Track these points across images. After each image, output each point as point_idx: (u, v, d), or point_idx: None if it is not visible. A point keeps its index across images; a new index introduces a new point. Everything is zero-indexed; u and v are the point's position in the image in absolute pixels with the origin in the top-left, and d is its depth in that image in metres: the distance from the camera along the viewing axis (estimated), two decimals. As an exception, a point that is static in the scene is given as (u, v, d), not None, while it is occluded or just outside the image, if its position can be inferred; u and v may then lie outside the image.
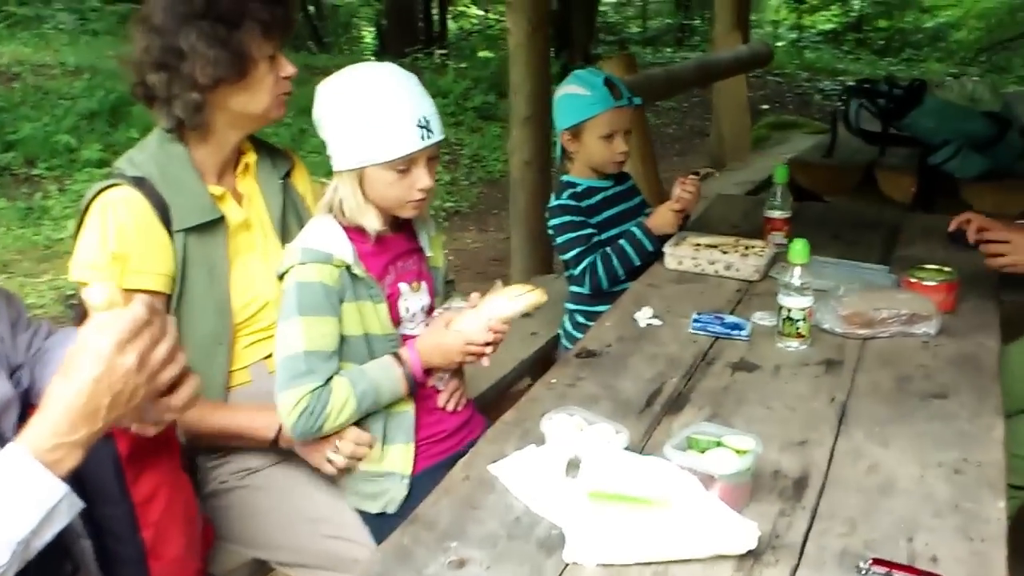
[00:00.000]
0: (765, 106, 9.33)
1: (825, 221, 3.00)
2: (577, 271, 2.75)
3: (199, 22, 1.89)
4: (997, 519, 1.63)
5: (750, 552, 1.52)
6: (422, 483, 2.00)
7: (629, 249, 2.75)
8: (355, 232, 1.99)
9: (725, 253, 2.69)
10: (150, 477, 1.71)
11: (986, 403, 2.02)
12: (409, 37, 13.90)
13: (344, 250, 1.95)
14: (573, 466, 1.72)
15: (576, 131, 2.78)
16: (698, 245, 2.74)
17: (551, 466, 1.73)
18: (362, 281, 1.95)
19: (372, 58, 11.76)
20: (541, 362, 3.13)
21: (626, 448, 1.76)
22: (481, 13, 16.87)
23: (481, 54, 13.23)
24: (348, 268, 1.93)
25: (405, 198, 1.98)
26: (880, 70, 11.99)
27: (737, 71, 5.61)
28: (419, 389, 2.05)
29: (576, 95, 2.75)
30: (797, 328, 2.24)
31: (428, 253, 2.14)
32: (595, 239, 2.77)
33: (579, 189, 2.80)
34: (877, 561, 1.51)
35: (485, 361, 2.04)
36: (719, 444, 1.71)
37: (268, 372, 2.07)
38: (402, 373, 1.97)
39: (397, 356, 1.98)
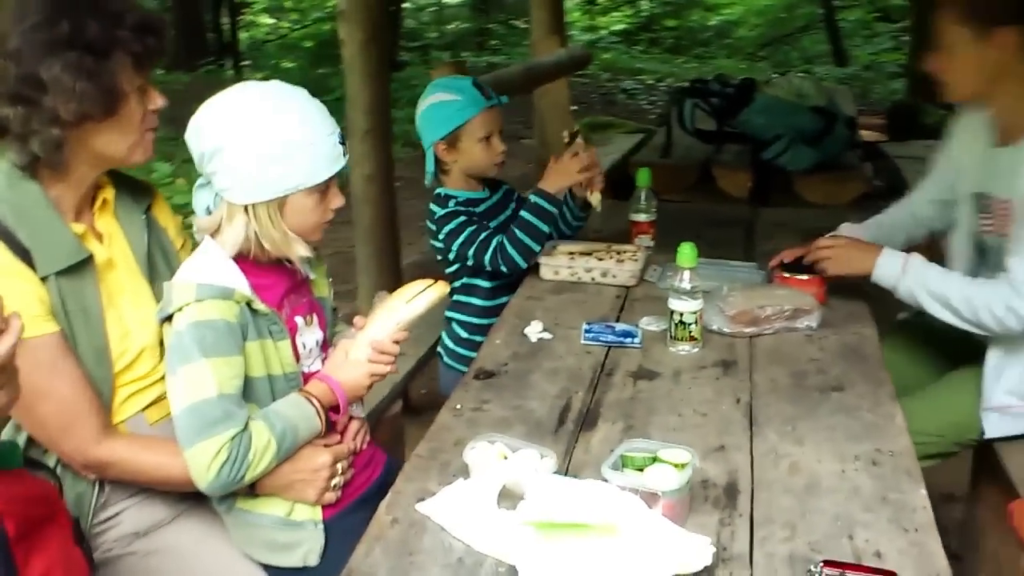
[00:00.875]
0: (573, 107, 9.49)
1: (683, 222, 3.05)
2: (488, 257, 2.63)
3: (65, 52, 1.69)
4: (923, 507, 1.68)
5: (705, 568, 1.50)
6: (336, 529, 1.88)
7: (532, 218, 2.66)
8: (247, 265, 1.85)
9: (600, 260, 2.68)
10: (41, 558, 1.52)
11: (881, 392, 2.08)
12: (199, 49, 13.38)
13: (242, 284, 1.80)
14: (505, 497, 1.65)
15: (452, 139, 2.68)
16: (572, 253, 2.72)
17: (483, 499, 1.65)
18: (264, 317, 1.81)
19: (162, 72, 11.19)
20: (416, 383, 3.04)
21: (555, 472, 1.72)
22: (272, 21, 16.45)
23: (284, 64, 12.89)
24: (248, 303, 1.79)
25: (322, 220, 1.86)
26: (675, 67, 12.47)
27: (559, 74, 5.66)
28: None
29: (446, 102, 2.67)
30: (690, 331, 2.25)
31: (311, 276, 2.01)
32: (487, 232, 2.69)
33: (460, 199, 2.72)
34: (828, 563, 1.51)
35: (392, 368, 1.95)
36: (655, 459, 1.68)
37: (148, 424, 1.89)
38: (315, 410, 1.84)
39: (303, 392, 1.85)
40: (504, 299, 2.64)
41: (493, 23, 14.76)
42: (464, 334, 2.81)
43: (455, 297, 2.84)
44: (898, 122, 7.55)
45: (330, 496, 1.90)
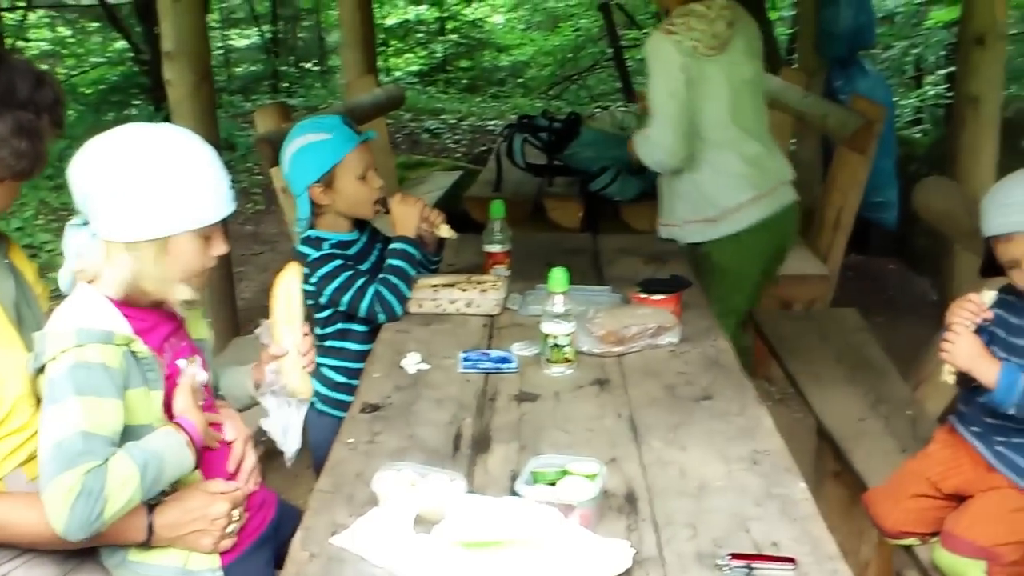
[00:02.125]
0: (382, 148, 9.56)
1: (533, 252, 3.14)
2: (365, 306, 2.62)
3: (17, 111, 1.65)
4: (805, 499, 1.82)
5: (623, 573, 1.57)
6: (237, 574, 1.85)
7: (404, 264, 2.68)
8: (126, 309, 1.80)
9: (464, 291, 2.74)
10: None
11: (747, 398, 2.23)
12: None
13: (123, 327, 1.76)
14: (420, 522, 1.68)
15: (328, 180, 2.63)
16: (435, 286, 2.76)
17: (399, 526, 1.68)
18: (143, 362, 1.76)
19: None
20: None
21: (466, 493, 1.76)
22: (44, 68, 15.59)
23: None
24: (130, 348, 1.74)
25: (205, 266, 1.84)
26: (474, 106, 12.71)
27: (377, 114, 5.72)
28: (209, 472, 1.89)
29: (317, 143, 2.62)
30: (564, 354, 2.33)
31: (181, 315, 1.98)
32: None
33: (332, 241, 2.69)
34: (734, 556, 1.62)
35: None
36: (565, 473, 1.75)
37: (27, 480, 1.80)
38: (184, 439, 1.75)
39: (173, 423, 1.78)
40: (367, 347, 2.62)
41: (283, 66, 14.58)
42: (340, 379, 2.75)
43: (328, 343, 2.78)
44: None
45: (226, 543, 1.86)
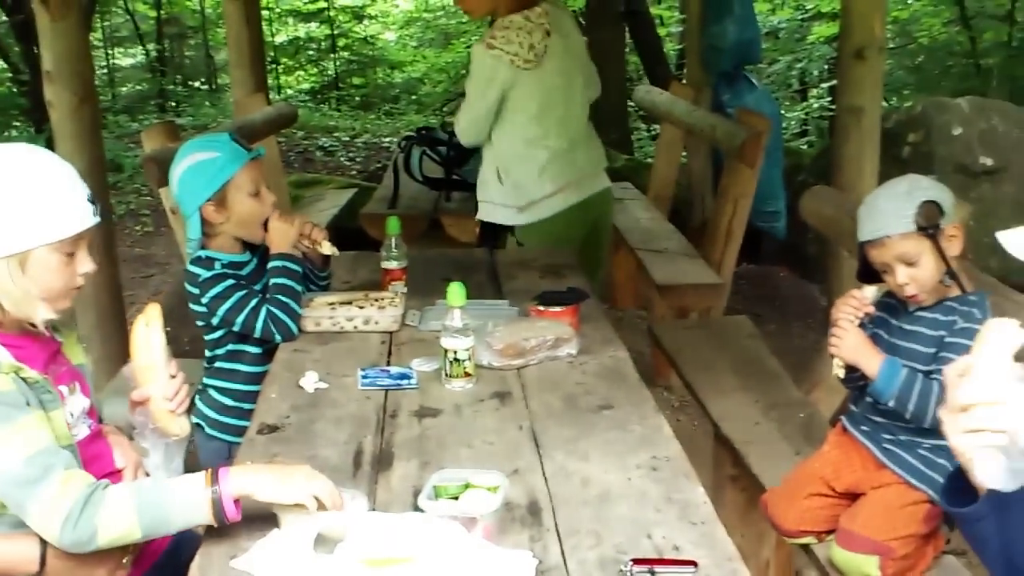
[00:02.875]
0: (274, 167, 9.42)
1: (431, 267, 3.14)
2: (259, 326, 2.56)
3: None
4: (704, 502, 1.85)
5: (529, 581, 1.58)
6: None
7: (288, 281, 2.63)
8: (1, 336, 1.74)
9: (361, 308, 2.71)
10: None
11: (645, 407, 2.26)
12: None
13: (2, 354, 1.70)
14: (321, 542, 1.66)
15: (220, 198, 2.56)
16: (332, 304, 2.73)
17: (300, 547, 1.65)
18: (35, 386, 1.71)
19: None
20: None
21: (368, 511, 1.74)
22: None
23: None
24: (18, 373, 1.68)
25: (70, 285, 1.79)
26: (368, 123, 12.64)
27: (268, 132, 5.64)
28: None
29: (206, 161, 2.55)
30: (464, 368, 2.33)
31: (59, 339, 1.92)
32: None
33: (224, 262, 2.63)
34: (637, 561, 1.63)
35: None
36: (468, 486, 1.75)
37: None
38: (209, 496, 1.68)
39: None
40: (270, 366, 2.55)
41: (171, 85, 14.27)
42: (230, 402, 2.69)
43: (218, 364, 2.72)
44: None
45: (120, 575, 1.81)
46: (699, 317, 4.16)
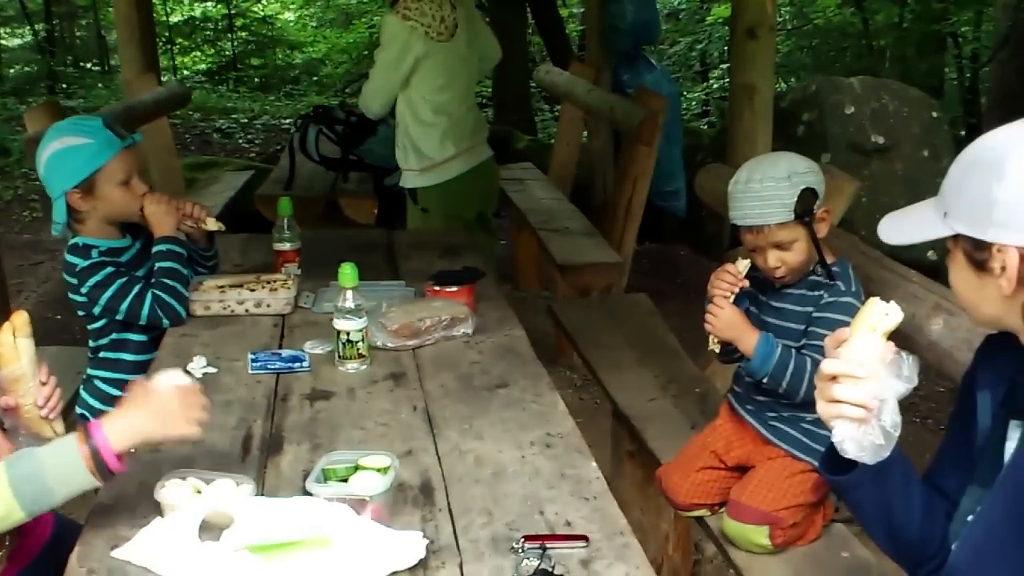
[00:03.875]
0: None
1: (326, 249, 3.08)
2: (146, 311, 2.48)
3: None
4: (597, 478, 1.86)
5: (420, 562, 1.56)
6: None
7: (174, 264, 2.56)
8: None
9: (252, 291, 2.65)
10: None
11: (541, 384, 2.26)
12: None
13: None
14: (206, 529, 1.61)
15: (88, 186, 2.46)
16: (222, 287, 2.66)
17: (184, 534, 1.60)
18: None
19: None
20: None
21: (255, 496, 1.70)
22: None
23: None
24: None
25: None
26: (267, 105, 12.38)
27: (160, 113, 5.50)
28: None
29: (76, 147, 2.44)
30: (357, 349, 2.30)
31: None
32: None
33: (102, 248, 2.54)
34: (528, 538, 1.63)
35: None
36: (358, 468, 1.72)
37: None
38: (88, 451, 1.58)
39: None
40: (156, 353, 2.48)
41: (61, 66, 13.75)
42: (115, 392, 2.59)
43: (102, 354, 2.63)
44: (491, 147, 8.06)
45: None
46: (600, 296, 4.18)
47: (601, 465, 3.13)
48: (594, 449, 3.32)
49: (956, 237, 1.40)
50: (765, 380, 2.13)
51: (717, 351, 2.26)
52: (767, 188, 2.10)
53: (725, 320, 2.17)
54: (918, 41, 10.22)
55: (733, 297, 2.21)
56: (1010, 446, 1.48)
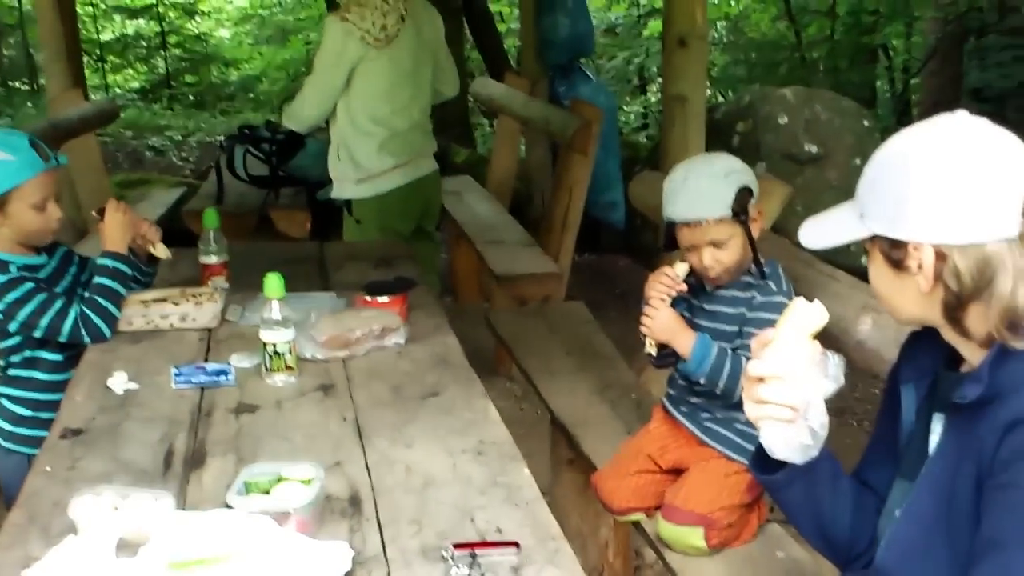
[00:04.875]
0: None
1: (257, 262, 3.02)
2: (68, 327, 2.40)
3: None
4: (529, 484, 1.83)
5: (346, 574, 1.52)
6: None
7: (111, 282, 2.50)
8: None
9: (177, 305, 2.59)
10: None
11: (473, 391, 2.23)
12: None
13: None
14: (124, 546, 1.56)
15: (0, 202, 2.40)
16: (145, 302, 2.59)
17: (100, 552, 1.54)
18: None
19: None
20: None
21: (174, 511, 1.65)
22: None
23: None
24: None
25: None
26: (202, 122, 12.22)
27: (86, 130, 5.38)
28: None
29: None
30: (285, 361, 2.25)
31: None
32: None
33: (19, 264, 2.45)
34: (458, 546, 1.60)
35: None
36: (281, 479, 1.67)
37: None
38: None
39: None
40: (71, 373, 2.40)
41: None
42: (26, 412, 2.50)
43: (12, 372, 2.53)
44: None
45: None
46: (537, 305, 4.16)
47: (541, 474, 3.16)
48: (535, 458, 3.33)
49: (874, 238, 1.41)
50: (702, 381, 2.12)
51: (653, 353, 2.25)
52: (705, 184, 2.12)
53: (662, 322, 2.16)
54: (850, 53, 10.42)
55: (670, 300, 2.20)
56: (934, 439, 1.49)
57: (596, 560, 3.02)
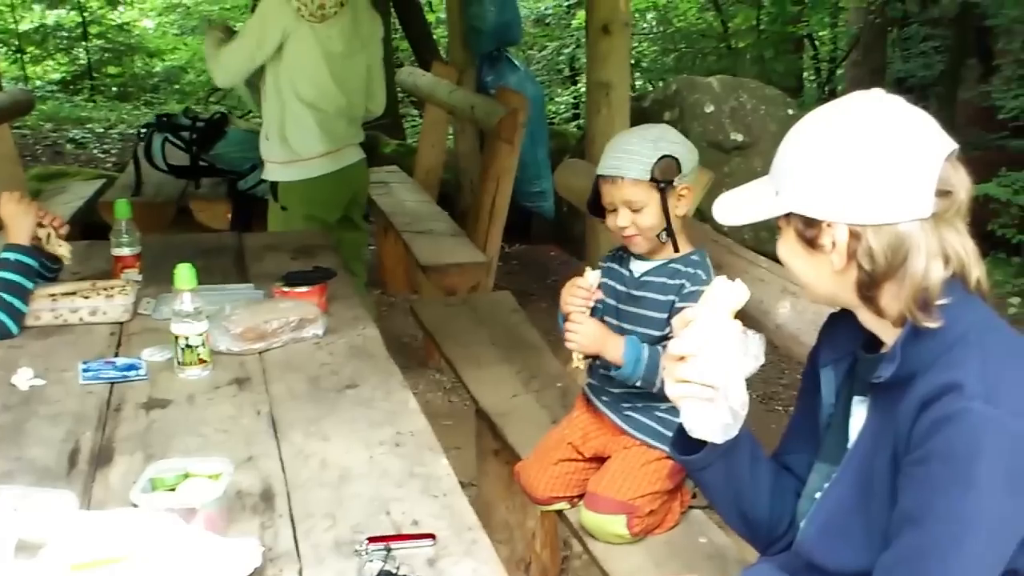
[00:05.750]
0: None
1: (173, 253, 2.94)
2: None
3: None
4: (447, 475, 1.80)
5: (255, 571, 1.47)
6: None
7: (17, 277, 2.41)
8: None
9: (87, 298, 2.51)
10: None
11: (392, 382, 2.19)
12: None
13: None
14: (24, 548, 1.49)
15: None
16: (53, 295, 2.51)
17: (-4, 556, 1.48)
18: None
19: None
20: None
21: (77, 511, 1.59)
22: None
23: None
24: None
25: None
26: (125, 114, 11.96)
27: (0, 121, 5.23)
28: None
29: None
30: (198, 354, 2.19)
31: None
32: None
33: None
34: (372, 539, 1.56)
35: None
36: (187, 476, 1.62)
37: None
38: None
39: None
40: None
41: None
42: None
43: None
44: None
45: None
46: (463, 295, 4.13)
47: (469, 465, 3.14)
48: (465, 450, 3.31)
49: (788, 215, 1.40)
50: (639, 384, 2.10)
51: (581, 367, 2.23)
52: (633, 144, 2.13)
53: (587, 333, 2.13)
54: (776, 42, 10.55)
55: (589, 311, 2.18)
56: (854, 422, 1.49)
57: (523, 551, 3.00)
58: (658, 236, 2.16)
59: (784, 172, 1.40)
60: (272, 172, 3.92)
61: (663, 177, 2.09)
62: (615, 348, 2.12)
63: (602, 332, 2.14)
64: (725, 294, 1.41)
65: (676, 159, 2.11)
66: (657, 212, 2.12)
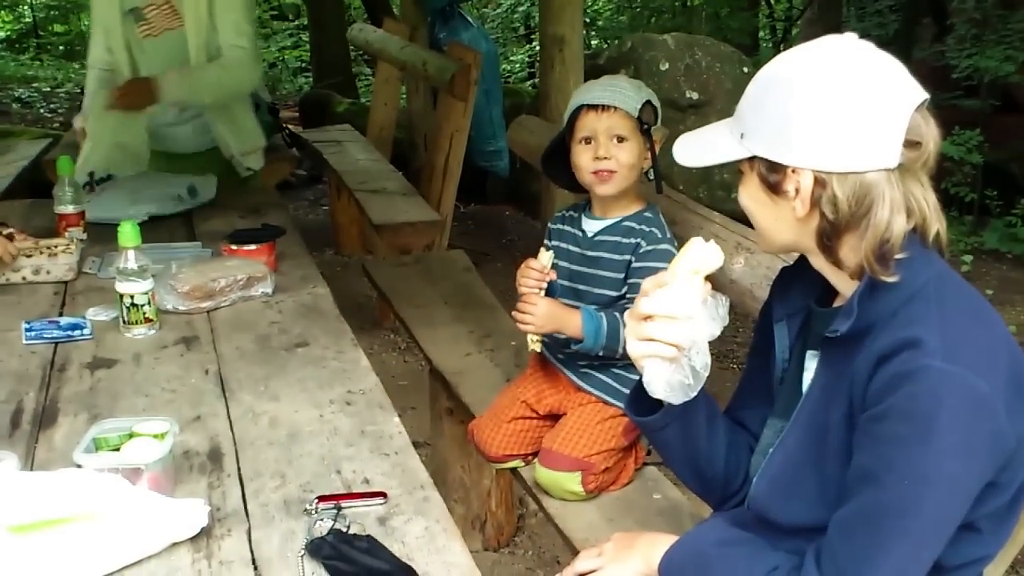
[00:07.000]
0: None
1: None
2: None
3: None
4: (399, 432, 1.78)
5: (202, 531, 1.45)
6: None
7: None
8: None
9: (29, 257, 2.45)
10: None
11: (344, 341, 2.16)
12: None
13: None
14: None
15: None
16: (-6, 254, 2.45)
17: (-68, 520, 1.44)
18: None
19: None
20: None
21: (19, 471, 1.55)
22: None
23: None
24: None
25: None
26: (73, 73, 11.67)
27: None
28: None
29: None
30: (144, 313, 2.15)
31: None
32: None
33: None
34: (322, 498, 1.55)
35: None
36: (132, 436, 1.59)
37: None
38: None
39: None
40: None
41: None
42: None
43: None
44: (310, 111, 7.87)
45: None
46: (417, 255, 4.09)
47: (424, 425, 3.12)
48: (419, 410, 3.28)
49: (752, 159, 1.37)
50: (601, 353, 2.08)
51: (539, 349, 2.20)
52: (619, 82, 2.12)
53: (542, 313, 2.10)
54: (731, 0, 10.52)
55: (543, 292, 2.16)
56: (807, 377, 1.48)
57: (479, 509, 3.00)
58: (646, 175, 2.15)
59: (750, 114, 1.37)
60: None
61: (647, 121, 2.08)
62: (572, 323, 2.08)
63: (558, 308, 2.11)
64: (700, 255, 1.39)
65: (655, 108, 2.10)
66: (637, 151, 2.09)
